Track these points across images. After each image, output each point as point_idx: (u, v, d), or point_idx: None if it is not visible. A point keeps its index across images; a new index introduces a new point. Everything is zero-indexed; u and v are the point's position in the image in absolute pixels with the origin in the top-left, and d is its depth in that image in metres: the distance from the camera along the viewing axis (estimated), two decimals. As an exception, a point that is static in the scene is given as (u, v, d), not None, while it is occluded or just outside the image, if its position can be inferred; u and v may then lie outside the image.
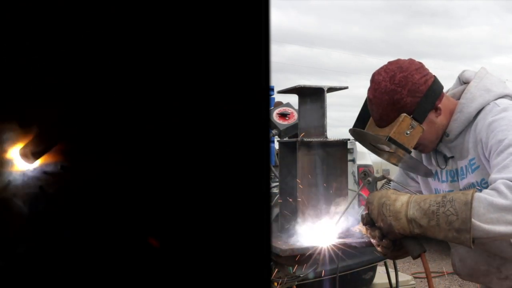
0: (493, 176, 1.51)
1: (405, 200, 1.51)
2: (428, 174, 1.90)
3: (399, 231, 1.51)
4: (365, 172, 1.67)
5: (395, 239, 1.56)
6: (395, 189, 1.67)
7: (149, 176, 0.81)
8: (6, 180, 0.88)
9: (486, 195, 1.44)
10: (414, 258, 1.59)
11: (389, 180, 1.70)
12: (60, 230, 0.81)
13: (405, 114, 1.66)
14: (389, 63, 1.75)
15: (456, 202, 1.43)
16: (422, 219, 1.46)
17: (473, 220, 1.40)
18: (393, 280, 3.75)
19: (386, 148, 1.75)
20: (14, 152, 0.90)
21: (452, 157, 1.81)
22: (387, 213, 1.52)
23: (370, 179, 1.66)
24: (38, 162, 0.90)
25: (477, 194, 1.44)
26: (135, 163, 0.84)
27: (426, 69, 1.74)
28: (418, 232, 1.49)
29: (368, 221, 1.59)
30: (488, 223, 1.41)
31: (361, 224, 1.64)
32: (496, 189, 1.44)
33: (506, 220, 1.40)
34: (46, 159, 0.90)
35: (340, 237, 1.74)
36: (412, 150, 1.74)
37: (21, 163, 0.90)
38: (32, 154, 0.89)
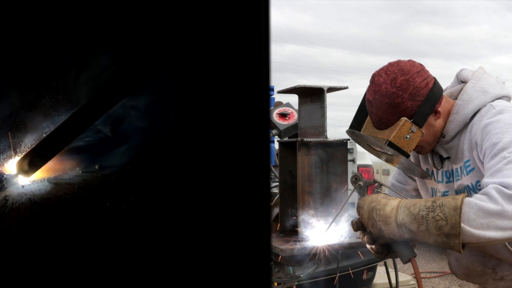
0: (485, 180, 1.50)
1: (395, 205, 1.51)
2: (424, 176, 1.90)
3: (389, 236, 1.51)
4: (356, 176, 1.67)
5: (385, 243, 1.56)
6: (385, 194, 1.66)
7: (149, 177, 0.81)
8: (3, 195, 0.88)
9: (476, 200, 1.43)
10: (404, 262, 1.59)
11: (380, 184, 1.69)
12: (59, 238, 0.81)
13: (405, 118, 1.65)
14: (390, 64, 1.74)
15: (446, 207, 1.42)
16: (412, 224, 1.46)
17: (463, 225, 1.39)
18: (393, 280, 3.74)
19: (384, 151, 1.74)
20: (11, 166, 0.90)
21: (448, 157, 1.80)
22: (377, 217, 1.51)
23: (361, 183, 1.65)
24: (34, 176, 0.90)
25: (468, 199, 1.43)
26: (134, 163, 0.84)
27: (426, 72, 1.73)
28: (408, 237, 1.48)
29: (359, 226, 1.59)
30: (478, 229, 1.40)
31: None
32: (487, 194, 1.42)
33: (497, 226, 1.39)
34: (42, 172, 0.90)
35: (339, 237, 1.74)
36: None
37: (18, 177, 0.90)
38: (29, 167, 0.89)
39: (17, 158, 0.90)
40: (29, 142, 0.90)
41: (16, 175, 0.90)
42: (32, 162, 0.88)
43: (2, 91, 0.83)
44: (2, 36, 0.75)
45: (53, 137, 0.86)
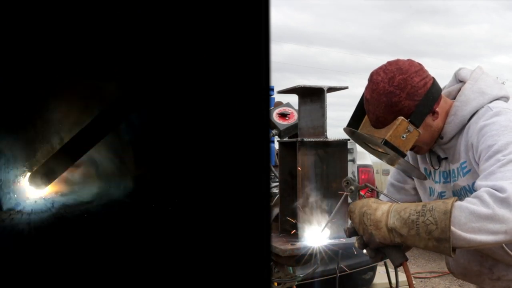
0: (478, 182, 1.50)
1: (386, 209, 1.50)
2: (421, 177, 1.90)
3: (380, 240, 1.51)
4: (347, 181, 1.66)
5: (376, 247, 1.56)
6: (377, 198, 1.66)
7: (150, 178, 0.81)
8: (15, 206, 0.88)
9: (468, 203, 1.42)
10: (396, 267, 1.59)
11: (371, 189, 1.69)
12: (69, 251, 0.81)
13: (402, 117, 1.65)
14: (388, 63, 1.73)
15: (436, 211, 1.42)
16: (402, 228, 1.46)
17: (454, 229, 1.39)
18: (393, 280, 3.74)
19: (381, 149, 1.74)
20: (24, 179, 0.90)
21: (446, 158, 1.80)
22: (368, 222, 1.51)
23: (352, 187, 1.65)
24: (47, 189, 0.90)
25: (459, 203, 1.42)
26: (135, 163, 0.84)
27: (425, 71, 1.72)
28: (399, 241, 1.48)
29: (351, 232, 1.59)
30: (469, 232, 1.39)
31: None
32: (478, 197, 1.42)
33: (488, 229, 1.39)
34: (55, 186, 0.90)
35: (336, 237, 1.74)
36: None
37: (31, 190, 0.90)
38: (42, 180, 0.89)
39: (30, 171, 0.90)
40: (42, 155, 0.90)
41: (30, 188, 0.90)
42: (45, 175, 0.88)
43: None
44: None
45: (66, 150, 0.87)
